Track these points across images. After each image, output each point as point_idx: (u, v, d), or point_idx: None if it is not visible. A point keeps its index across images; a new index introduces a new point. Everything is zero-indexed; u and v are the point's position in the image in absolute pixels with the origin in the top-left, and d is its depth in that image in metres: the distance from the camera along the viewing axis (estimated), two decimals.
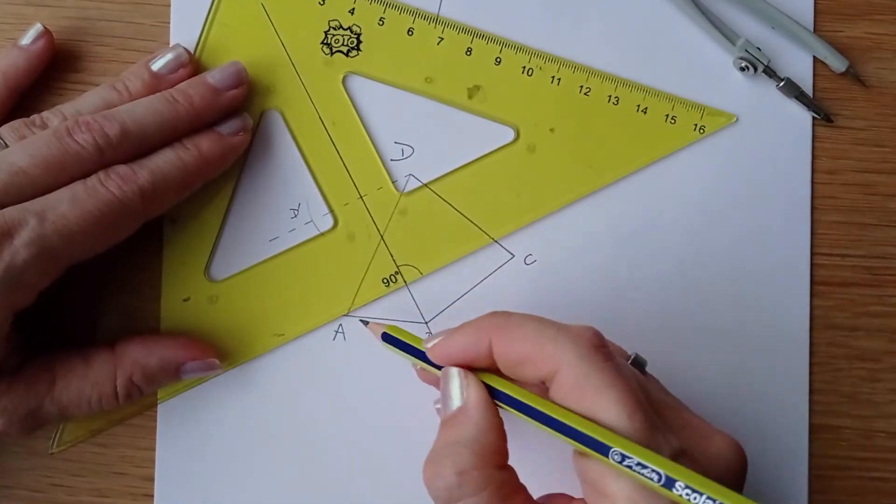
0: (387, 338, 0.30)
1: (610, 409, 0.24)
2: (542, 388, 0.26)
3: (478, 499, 0.25)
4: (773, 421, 0.34)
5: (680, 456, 0.24)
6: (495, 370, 0.27)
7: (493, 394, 0.27)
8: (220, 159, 0.32)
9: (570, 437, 0.24)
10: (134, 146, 0.30)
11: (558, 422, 0.25)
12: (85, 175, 0.28)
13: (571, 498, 0.27)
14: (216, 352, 0.33)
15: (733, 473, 0.26)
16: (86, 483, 0.34)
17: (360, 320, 0.33)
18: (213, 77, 0.32)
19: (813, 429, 0.34)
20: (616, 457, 0.23)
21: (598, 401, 0.24)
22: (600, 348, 0.25)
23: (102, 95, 0.31)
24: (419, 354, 0.29)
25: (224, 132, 0.32)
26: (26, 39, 0.33)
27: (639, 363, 0.28)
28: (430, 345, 0.28)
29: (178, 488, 0.33)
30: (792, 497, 0.34)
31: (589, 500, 0.26)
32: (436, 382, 0.28)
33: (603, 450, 0.24)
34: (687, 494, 0.22)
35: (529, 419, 0.26)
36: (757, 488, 0.33)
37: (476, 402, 0.26)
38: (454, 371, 0.27)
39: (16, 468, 0.33)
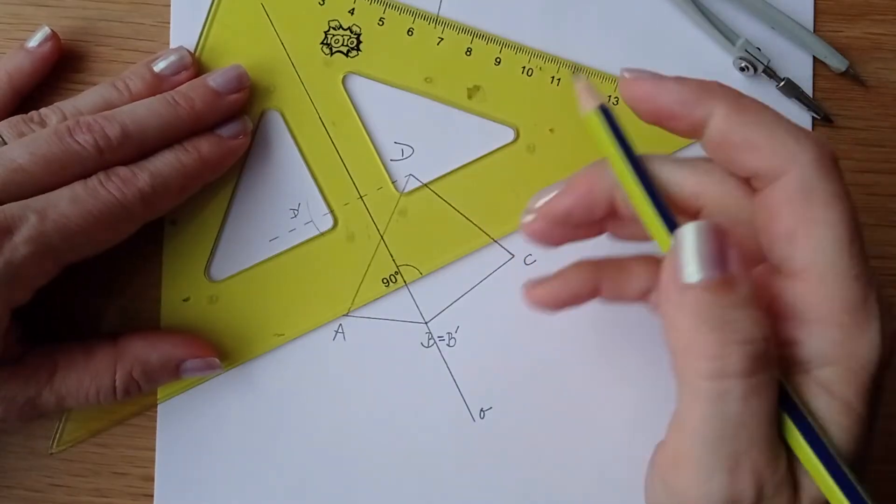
0: (605, 110, 0.25)
1: (836, 226, 0.22)
2: (744, 186, 0.24)
3: (772, 374, 0.22)
4: None
5: (878, 285, 0.23)
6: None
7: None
8: (220, 162, 0.32)
9: None
10: (134, 148, 0.30)
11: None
12: (84, 175, 0.29)
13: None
14: (217, 351, 0.33)
15: None
16: (86, 483, 0.34)
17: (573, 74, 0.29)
18: (214, 80, 0.32)
19: None
20: None
21: (825, 212, 0.22)
22: (836, 164, 0.23)
23: (103, 94, 0.31)
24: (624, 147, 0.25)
25: (224, 135, 0.32)
26: (33, 42, 0.33)
27: None
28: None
29: (178, 488, 0.33)
30: None
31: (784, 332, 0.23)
32: (547, 298, 0.27)
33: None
34: None
35: None
36: None
37: (740, 268, 0.22)
38: (706, 224, 0.23)
39: (16, 468, 0.33)
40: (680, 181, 0.25)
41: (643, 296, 0.28)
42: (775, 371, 0.22)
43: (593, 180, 0.26)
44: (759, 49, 0.34)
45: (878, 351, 0.22)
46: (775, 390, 0.22)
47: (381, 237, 0.34)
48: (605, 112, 0.25)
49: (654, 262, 0.28)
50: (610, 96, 0.34)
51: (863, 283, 0.22)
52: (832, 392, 0.22)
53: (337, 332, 0.34)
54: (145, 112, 0.30)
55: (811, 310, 0.23)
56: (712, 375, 0.21)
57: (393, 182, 0.34)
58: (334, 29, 0.34)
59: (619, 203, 0.26)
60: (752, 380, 0.21)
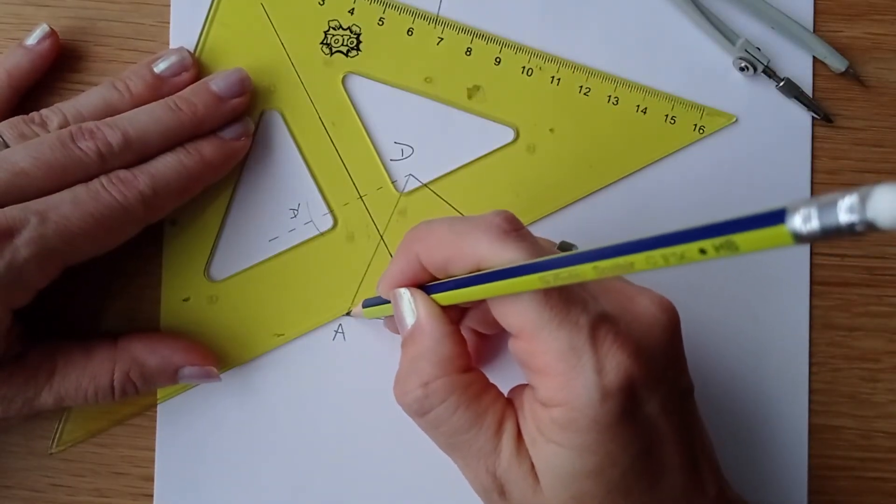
0: (366, 303, 0.32)
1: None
2: None
3: (447, 404, 0.26)
4: (773, 421, 0.34)
5: (600, 321, 0.24)
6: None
7: (431, 290, 0.27)
8: (222, 164, 0.32)
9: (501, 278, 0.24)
10: (136, 154, 0.30)
11: (485, 275, 0.25)
12: (86, 180, 0.29)
13: (525, 385, 0.27)
14: (216, 359, 0.33)
15: (661, 328, 0.25)
16: (86, 483, 0.34)
17: (346, 314, 0.34)
18: (216, 85, 0.32)
19: (813, 429, 0.34)
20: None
21: None
22: (510, 232, 0.25)
23: (103, 95, 0.31)
24: (385, 302, 0.29)
25: (225, 137, 0.32)
26: (32, 40, 0.33)
27: (565, 248, 0.28)
28: (377, 287, 0.29)
29: (178, 488, 0.33)
30: (792, 497, 0.34)
31: (528, 379, 0.26)
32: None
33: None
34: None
35: (469, 293, 0.26)
36: (757, 488, 0.33)
37: (426, 314, 0.27)
38: (401, 291, 0.28)
39: (16, 468, 0.33)
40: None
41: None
42: (461, 397, 0.26)
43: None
44: (759, 49, 0.34)
45: (597, 389, 0.23)
46: (476, 402, 0.26)
47: (381, 237, 0.34)
48: (367, 302, 0.32)
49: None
50: (609, 96, 0.34)
51: (567, 330, 0.24)
52: (565, 428, 0.24)
53: (337, 332, 0.34)
54: (147, 118, 0.30)
55: (534, 362, 0.25)
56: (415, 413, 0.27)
57: (393, 182, 0.34)
58: (334, 29, 0.34)
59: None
60: (431, 415, 0.26)
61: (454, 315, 0.28)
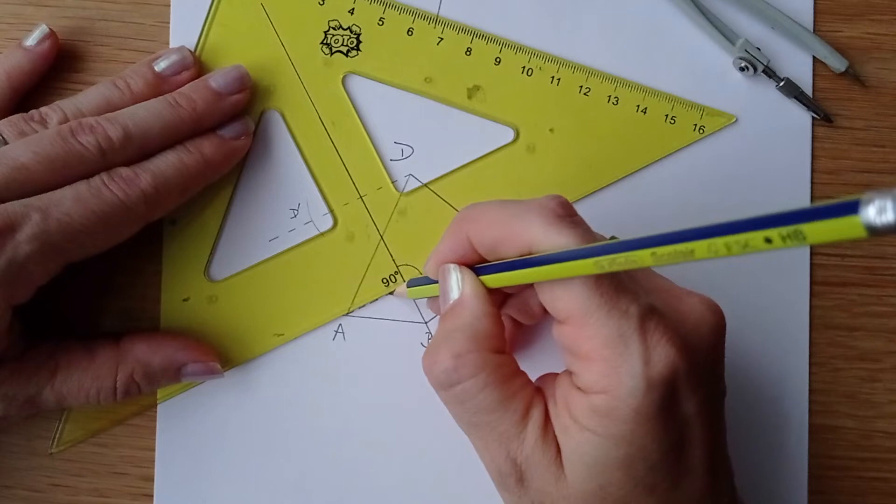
0: (411, 283, 0.32)
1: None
2: None
3: (476, 380, 0.26)
4: (773, 421, 0.34)
5: (650, 312, 0.24)
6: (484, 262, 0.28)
7: (479, 272, 0.28)
8: (222, 162, 0.32)
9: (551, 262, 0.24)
10: (136, 149, 0.30)
11: (536, 259, 0.25)
12: (86, 176, 0.29)
13: (556, 374, 0.27)
14: (218, 355, 0.33)
15: (706, 328, 0.26)
16: (86, 483, 0.34)
17: (390, 293, 0.34)
18: (216, 81, 0.32)
19: (813, 429, 0.34)
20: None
21: None
22: (564, 217, 0.26)
23: (103, 93, 0.31)
24: (430, 282, 0.30)
25: (226, 136, 0.32)
26: (31, 41, 0.33)
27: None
28: (424, 266, 0.30)
29: (178, 488, 0.33)
30: (792, 497, 0.34)
31: (568, 365, 0.26)
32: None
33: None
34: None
35: (519, 275, 0.26)
36: (757, 488, 0.33)
37: (471, 291, 0.27)
38: (450, 266, 0.28)
39: (16, 468, 0.33)
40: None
41: (545, 309, 0.30)
42: (491, 376, 0.26)
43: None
44: (759, 49, 0.34)
45: (642, 378, 0.24)
46: (505, 384, 0.26)
47: (381, 237, 0.34)
48: (412, 282, 0.32)
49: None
50: (609, 96, 0.34)
51: (617, 318, 0.24)
52: (603, 416, 0.24)
53: (337, 332, 0.34)
54: (147, 114, 0.30)
55: (580, 347, 0.25)
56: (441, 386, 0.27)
57: (393, 182, 0.34)
58: (334, 29, 0.34)
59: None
60: (458, 388, 0.26)
61: (496, 300, 0.29)
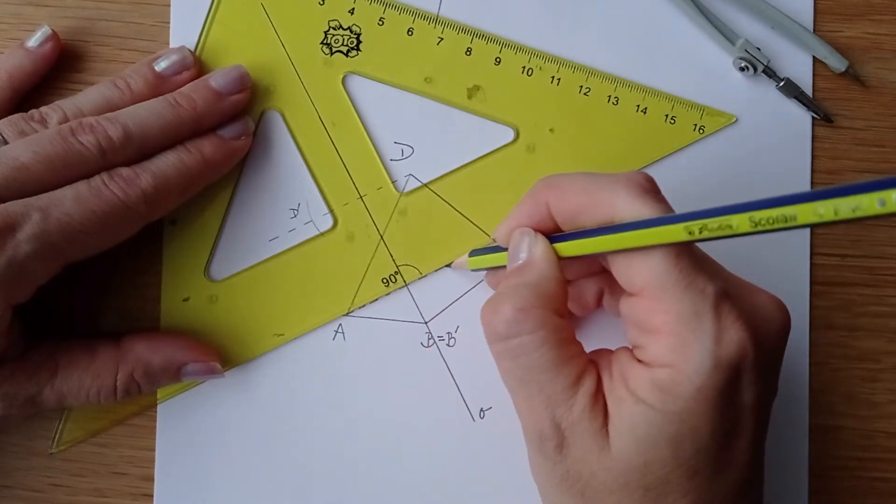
0: (473, 253, 0.32)
1: (659, 247, 0.25)
2: None
3: (534, 337, 0.26)
4: (773, 421, 0.34)
5: (725, 294, 0.25)
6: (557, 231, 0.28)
7: (555, 241, 0.27)
8: (222, 163, 0.32)
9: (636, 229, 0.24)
10: (136, 149, 0.30)
11: (618, 226, 0.25)
12: (86, 175, 0.29)
13: (611, 350, 0.28)
14: (219, 355, 0.33)
15: (775, 324, 0.26)
16: (86, 483, 0.34)
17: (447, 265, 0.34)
18: (216, 81, 0.32)
19: (813, 429, 0.34)
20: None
21: None
22: (651, 192, 0.26)
23: (104, 93, 0.31)
24: (496, 250, 0.30)
25: (226, 136, 0.32)
26: (33, 41, 0.33)
27: None
28: (494, 232, 0.30)
29: (178, 488, 0.33)
30: (792, 497, 0.34)
31: (632, 339, 0.26)
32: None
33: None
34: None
35: (600, 242, 0.26)
36: None
37: (542, 253, 0.27)
38: (525, 230, 0.28)
39: (16, 468, 0.33)
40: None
41: (598, 302, 0.31)
42: (551, 335, 0.26)
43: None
44: (759, 49, 0.34)
45: (711, 357, 0.24)
46: (562, 347, 0.26)
47: (381, 237, 0.34)
48: (475, 252, 0.32)
49: (597, 274, 0.30)
50: (609, 96, 0.34)
51: (693, 295, 0.24)
52: (665, 391, 0.24)
53: (337, 332, 0.34)
54: (147, 113, 0.30)
55: (651, 321, 0.25)
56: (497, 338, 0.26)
57: (393, 182, 0.34)
58: (334, 29, 0.34)
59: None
60: (515, 341, 0.26)
61: None
